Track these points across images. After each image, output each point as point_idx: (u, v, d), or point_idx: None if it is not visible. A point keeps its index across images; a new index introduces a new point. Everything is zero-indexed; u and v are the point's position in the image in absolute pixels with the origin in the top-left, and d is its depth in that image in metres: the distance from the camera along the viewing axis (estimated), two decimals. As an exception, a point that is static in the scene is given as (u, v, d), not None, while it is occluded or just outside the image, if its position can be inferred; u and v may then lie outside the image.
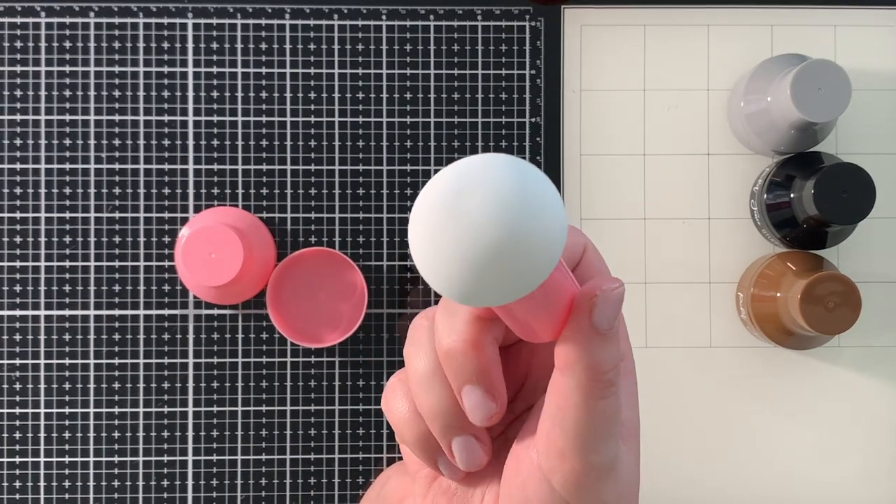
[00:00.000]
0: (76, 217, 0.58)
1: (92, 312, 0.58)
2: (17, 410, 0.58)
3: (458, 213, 0.24)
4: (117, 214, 0.58)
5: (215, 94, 0.58)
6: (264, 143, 0.58)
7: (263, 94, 0.58)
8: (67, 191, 0.58)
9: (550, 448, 0.28)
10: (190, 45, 0.59)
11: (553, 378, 0.28)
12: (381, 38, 0.59)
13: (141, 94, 0.58)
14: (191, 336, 0.58)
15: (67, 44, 0.58)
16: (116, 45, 0.58)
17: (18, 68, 0.58)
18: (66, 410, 0.58)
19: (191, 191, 0.58)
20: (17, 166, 0.58)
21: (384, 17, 0.59)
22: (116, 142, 0.58)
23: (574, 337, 0.28)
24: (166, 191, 0.58)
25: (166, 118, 0.58)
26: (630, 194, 0.59)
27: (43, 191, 0.58)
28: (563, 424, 0.28)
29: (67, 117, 0.58)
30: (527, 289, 0.25)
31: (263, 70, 0.58)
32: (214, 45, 0.58)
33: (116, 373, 0.58)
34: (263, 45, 0.59)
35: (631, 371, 0.31)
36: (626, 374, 0.30)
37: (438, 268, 0.24)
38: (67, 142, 0.58)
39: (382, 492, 0.36)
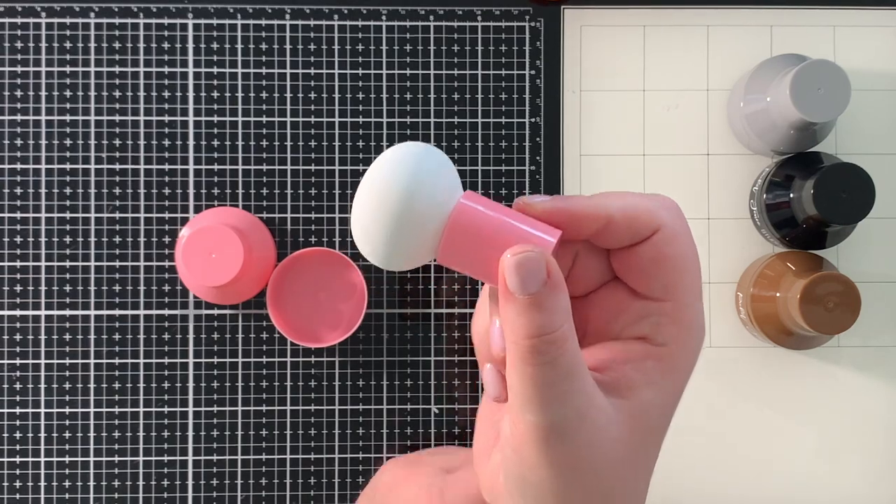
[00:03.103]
0: (76, 217, 0.58)
1: (92, 312, 0.58)
2: (18, 410, 0.58)
3: (368, 183, 0.29)
4: (117, 214, 0.58)
5: (215, 94, 0.58)
6: (264, 143, 0.58)
7: (264, 95, 0.58)
8: (68, 191, 0.58)
9: (507, 404, 0.30)
10: (190, 45, 0.59)
11: None
12: (381, 38, 0.59)
13: (141, 94, 0.58)
14: (191, 336, 0.58)
15: (68, 44, 0.58)
16: (117, 45, 0.58)
17: (19, 68, 0.58)
18: (67, 410, 0.58)
19: (191, 191, 0.58)
20: (18, 166, 0.58)
21: (384, 17, 0.59)
22: (117, 142, 0.58)
23: (499, 302, 0.29)
24: (166, 191, 0.58)
25: (167, 118, 0.58)
26: (630, 194, 0.59)
27: (43, 191, 0.58)
28: (508, 382, 0.29)
29: (68, 117, 0.58)
30: (424, 244, 0.29)
31: (264, 70, 0.59)
32: (215, 46, 0.59)
33: (116, 373, 0.58)
34: (264, 46, 0.59)
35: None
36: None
37: (361, 237, 0.30)
38: (68, 142, 0.58)
39: (376, 484, 0.36)
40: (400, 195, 0.29)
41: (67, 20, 0.58)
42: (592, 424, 0.29)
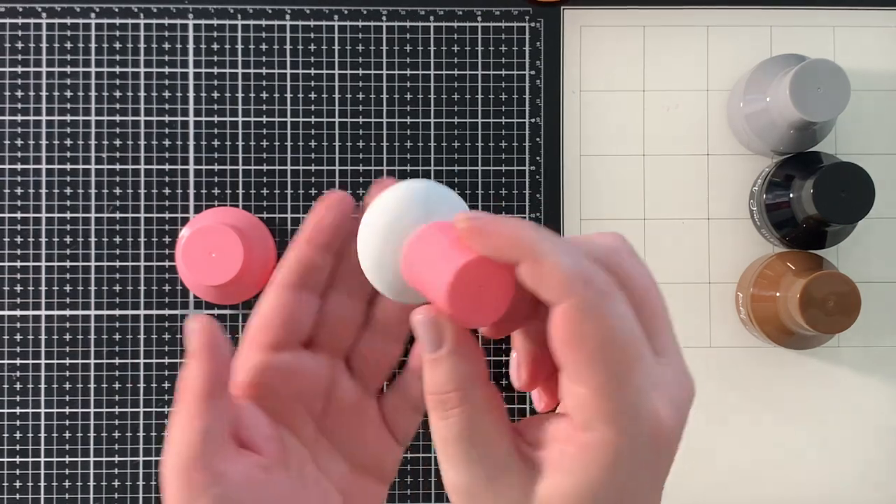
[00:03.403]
0: (77, 217, 0.58)
1: (92, 312, 0.58)
2: (18, 410, 0.58)
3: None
4: (118, 214, 0.58)
5: (216, 94, 0.59)
6: (265, 143, 0.58)
7: (264, 95, 0.59)
8: (68, 191, 0.58)
9: None
10: (191, 45, 0.59)
11: None
12: (382, 38, 0.59)
13: (142, 94, 0.59)
14: (191, 336, 0.58)
15: (68, 44, 0.58)
16: (117, 45, 0.59)
17: (20, 69, 0.58)
18: (67, 410, 0.58)
19: (191, 191, 0.58)
20: (18, 166, 0.58)
21: (384, 17, 0.59)
22: (117, 142, 0.58)
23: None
24: (167, 191, 0.58)
25: (167, 118, 0.58)
26: (630, 195, 0.59)
27: (44, 191, 0.58)
28: None
29: (68, 117, 0.58)
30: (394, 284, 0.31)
31: (264, 70, 0.59)
32: (215, 46, 0.59)
33: (117, 373, 0.58)
34: (264, 46, 0.59)
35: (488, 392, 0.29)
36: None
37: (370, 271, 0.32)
38: (68, 142, 0.58)
39: None
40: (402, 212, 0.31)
41: (68, 20, 0.59)
42: (498, 495, 0.28)
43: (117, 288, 0.58)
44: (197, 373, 0.31)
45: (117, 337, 0.58)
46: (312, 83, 0.59)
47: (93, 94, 0.58)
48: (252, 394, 0.34)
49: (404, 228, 0.30)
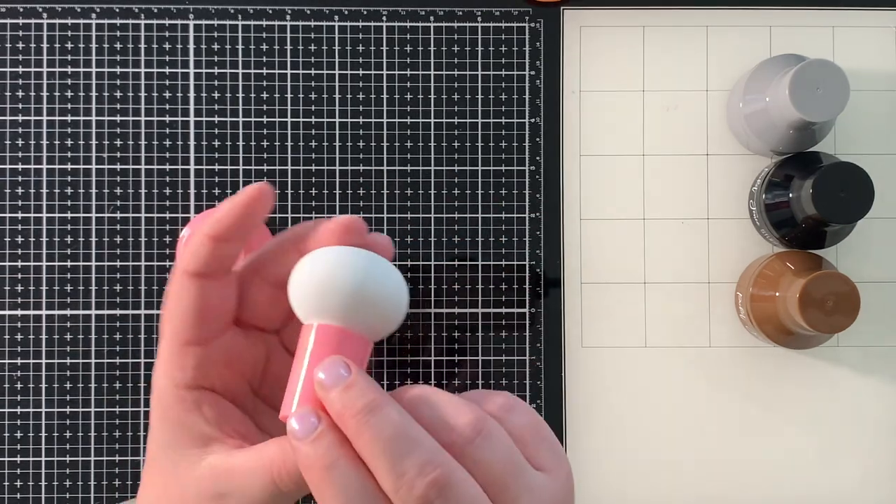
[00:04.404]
0: (77, 217, 0.58)
1: (93, 312, 0.58)
2: (19, 410, 0.58)
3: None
4: (118, 214, 0.58)
5: (216, 94, 0.59)
6: (265, 143, 0.59)
7: (264, 95, 0.59)
8: (69, 191, 0.58)
9: None
10: (191, 45, 0.59)
11: None
12: (382, 39, 0.59)
13: (142, 94, 0.59)
14: (191, 336, 0.58)
15: (69, 45, 0.59)
16: (118, 45, 0.59)
17: (20, 69, 0.58)
18: (67, 410, 0.58)
19: (192, 191, 0.59)
20: (19, 166, 0.58)
21: (384, 18, 0.59)
22: (118, 142, 0.59)
23: None
24: (167, 191, 0.58)
25: (167, 119, 0.59)
26: (629, 195, 0.59)
27: (44, 191, 0.58)
28: None
29: (69, 118, 0.58)
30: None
31: (264, 71, 0.59)
32: (215, 46, 0.59)
33: (117, 372, 0.58)
34: (264, 46, 0.59)
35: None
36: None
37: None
38: (69, 142, 0.58)
39: None
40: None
41: (69, 21, 0.59)
42: None
43: (117, 288, 0.58)
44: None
45: (117, 337, 0.58)
46: (312, 83, 0.59)
47: (93, 94, 0.59)
48: (197, 386, 0.33)
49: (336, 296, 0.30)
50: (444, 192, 0.59)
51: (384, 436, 0.27)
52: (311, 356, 0.30)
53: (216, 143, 0.59)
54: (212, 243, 0.32)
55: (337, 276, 0.30)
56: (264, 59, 0.59)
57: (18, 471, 0.58)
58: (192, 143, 0.59)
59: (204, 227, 0.32)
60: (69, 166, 0.58)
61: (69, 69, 0.59)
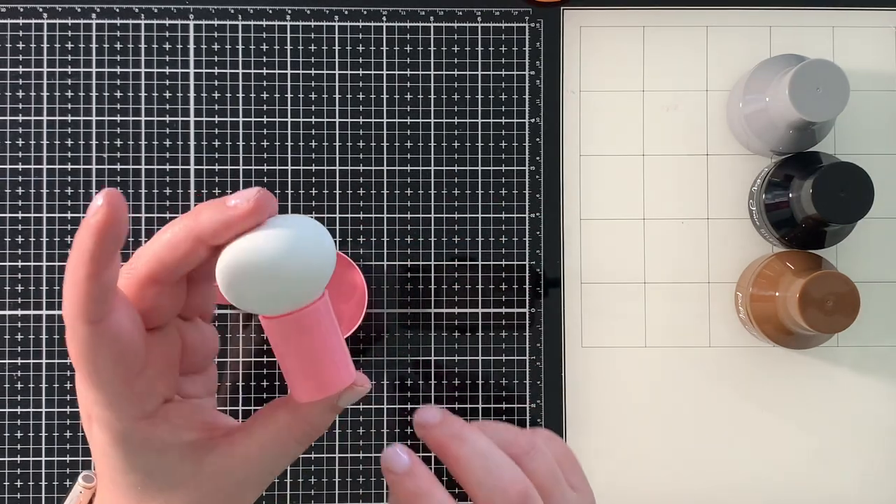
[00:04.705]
0: (77, 217, 0.58)
1: (93, 312, 0.58)
2: (19, 410, 0.58)
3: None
4: (118, 214, 0.58)
5: (216, 94, 0.59)
6: (264, 143, 0.59)
7: (264, 95, 0.59)
8: (69, 191, 0.58)
9: None
10: (191, 45, 0.59)
11: None
12: (382, 39, 0.59)
13: (142, 94, 0.59)
14: (191, 336, 0.58)
15: (69, 45, 0.59)
16: (118, 46, 0.59)
17: (21, 69, 0.59)
18: (67, 410, 0.58)
19: (192, 191, 0.59)
20: (19, 166, 0.58)
21: (384, 18, 0.59)
22: (118, 142, 0.59)
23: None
24: (167, 191, 0.59)
25: (167, 119, 0.59)
26: (629, 195, 0.59)
27: (44, 191, 0.58)
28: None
29: (69, 118, 0.58)
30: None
31: (264, 71, 0.59)
32: (216, 46, 0.59)
33: (117, 372, 0.58)
34: (264, 46, 0.59)
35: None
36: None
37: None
38: (69, 142, 0.58)
39: None
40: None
41: (69, 21, 0.59)
42: None
43: (118, 288, 0.58)
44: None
45: (118, 337, 0.58)
46: (312, 83, 0.59)
47: (93, 94, 0.59)
48: (153, 408, 0.33)
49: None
50: (444, 192, 0.59)
51: (478, 453, 0.32)
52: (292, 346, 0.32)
53: (216, 143, 0.59)
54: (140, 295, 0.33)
55: (254, 278, 0.30)
56: (264, 59, 0.59)
57: (18, 471, 0.58)
58: (192, 143, 0.59)
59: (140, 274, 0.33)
60: (69, 166, 0.58)
61: (69, 69, 0.59)
